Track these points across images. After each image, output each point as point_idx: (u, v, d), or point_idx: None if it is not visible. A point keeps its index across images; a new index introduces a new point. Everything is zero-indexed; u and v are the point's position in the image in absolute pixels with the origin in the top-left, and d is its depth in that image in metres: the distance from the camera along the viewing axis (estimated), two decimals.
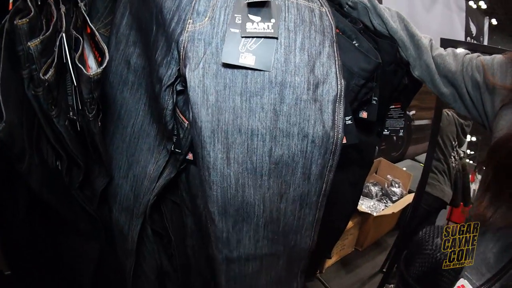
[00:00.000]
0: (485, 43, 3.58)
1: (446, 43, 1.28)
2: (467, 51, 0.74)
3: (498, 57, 0.68)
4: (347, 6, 0.75)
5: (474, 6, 3.30)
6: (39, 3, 0.71)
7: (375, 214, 2.12)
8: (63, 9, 0.68)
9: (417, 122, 2.61)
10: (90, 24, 0.61)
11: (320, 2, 0.67)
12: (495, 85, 0.65)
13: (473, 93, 0.69)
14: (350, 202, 0.94)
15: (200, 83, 0.60)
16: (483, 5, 3.42)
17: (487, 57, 0.70)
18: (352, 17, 0.75)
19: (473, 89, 0.69)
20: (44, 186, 0.68)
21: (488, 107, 0.67)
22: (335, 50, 0.63)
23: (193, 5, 0.64)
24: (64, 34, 0.61)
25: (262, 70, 0.59)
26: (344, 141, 0.70)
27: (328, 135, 0.60)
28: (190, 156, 0.71)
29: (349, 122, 0.70)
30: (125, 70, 0.74)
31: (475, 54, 0.72)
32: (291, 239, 0.67)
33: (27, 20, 0.61)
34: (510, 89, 0.62)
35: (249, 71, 0.59)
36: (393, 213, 2.19)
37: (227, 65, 0.59)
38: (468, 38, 3.23)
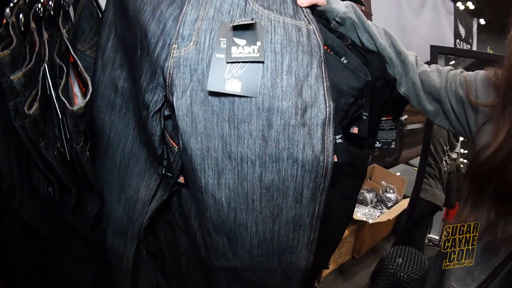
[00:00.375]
0: (474, 44, 3.62)
1: (436, 49, 1.28)
2: (451, 67, 0.75)
3: (480, 73, 0.69)
4: (334, 22, 0.74)
5: (462, 7, 3.32)
6: (23, 29, 0.69)
7: (370, 221, 2.11)
8: (45, 35, 0.67)
9: (409, 127, 2.62)
10: (72, 53, 0.61)
11: (307, 20, 0.66)
12: (477, 105, 0.66)
13: (457, 108, 0.70)
14: (345, 215, 0.94)
15: (189, 112, 0.60)
16: (471, 6, 3.44)
17: (471, 73, 0.71)
18: (339, 32, 0.74)
19: (457, 105, 0.70)
20: (37, 216, 0.68)
21: (471, 122, 0.68)
22: (323, 71, 0.62)
23: (177, 29, 0.63)
24: (47, 65, 0.60)
25: (249, 97, 0.58)
26: (335, 159, 0.70)
27: (318, 159, 0.60)
28: (181, 179, 0.71)
29: (340, 140, 0.69)
30: (113, 94, 0.74)
31: (459, 70, 0.72)
32: (286, 257, 0.67)
33: (9, 51, 0.60)
34: (492, 105, 0.63)
35: (236, 98, 0.58)
36: (388, 220, 2.19)
37: (214, 92, 0.59)
38: (458, 41, 3.26)
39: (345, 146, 0.70)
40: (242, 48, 0.59)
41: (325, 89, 0.61)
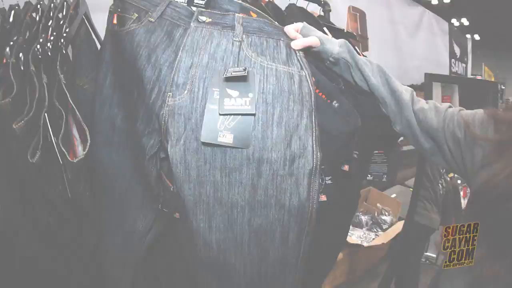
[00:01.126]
0: (469, 63, 3.61)
1: (430, 78, 1.28)
2: (449, 104, 0.74)
3: (479, 113, 0.68)
4: (328, 62, 0.75)
5: (457, 24, 3.31)
6: (22, 68, 0.71)
7: (365, 244, 2.10)
8: (44, 79, 0.69)
9: (405, 148, 2.62)
10: (71, 101, 0.63)
11: (300, 64, 0.68)
12: (476, 137, 0.65)
13: (453, 149, 0.69)
14: (337, 244, 0.96)
15: (182, 160, 0.62)
16: (466, 22, 3.42)
17: (469, 112, 0.70)
18: (333, 72, 0.76)
19: (454, 145, 0.69)
20: (40, 250, 0.71)
21: (467, 163, 0.68)
22: (313, 120, 0.64)
23: (172, 76, 0.65)
24: (46, 114, 0.62)
25: (240, 148, 0.60)
26: (324, 199, 0.72)
27: (303, 205, 0.62)
28: (177, 215, 0.74)
29: (329, 182, 0.72)
30: (111, 131, 0.75)
31: (457, 109, 0.72)
32: None
33: (10, 99, 0.62)
34: (492, 140, 0.63)
35: (228, 148, 0.61)
36: (383, 243, 2.16)
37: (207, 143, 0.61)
38: (453, 60, 3.25)
39: (335, 187, 0.72)
40: (235, 100, 0.61)
41: (313, 139, 0.63)
